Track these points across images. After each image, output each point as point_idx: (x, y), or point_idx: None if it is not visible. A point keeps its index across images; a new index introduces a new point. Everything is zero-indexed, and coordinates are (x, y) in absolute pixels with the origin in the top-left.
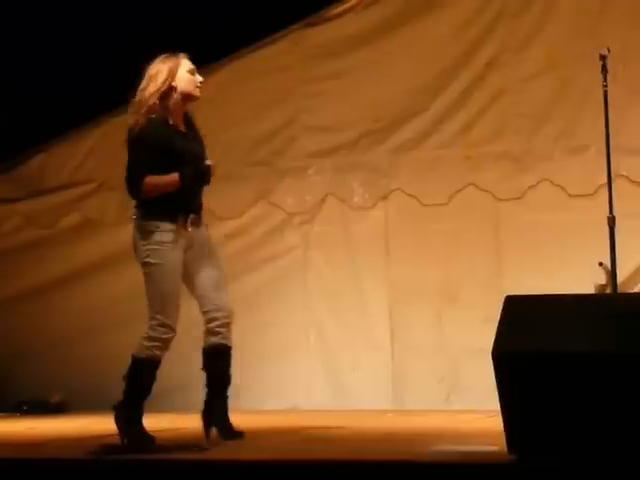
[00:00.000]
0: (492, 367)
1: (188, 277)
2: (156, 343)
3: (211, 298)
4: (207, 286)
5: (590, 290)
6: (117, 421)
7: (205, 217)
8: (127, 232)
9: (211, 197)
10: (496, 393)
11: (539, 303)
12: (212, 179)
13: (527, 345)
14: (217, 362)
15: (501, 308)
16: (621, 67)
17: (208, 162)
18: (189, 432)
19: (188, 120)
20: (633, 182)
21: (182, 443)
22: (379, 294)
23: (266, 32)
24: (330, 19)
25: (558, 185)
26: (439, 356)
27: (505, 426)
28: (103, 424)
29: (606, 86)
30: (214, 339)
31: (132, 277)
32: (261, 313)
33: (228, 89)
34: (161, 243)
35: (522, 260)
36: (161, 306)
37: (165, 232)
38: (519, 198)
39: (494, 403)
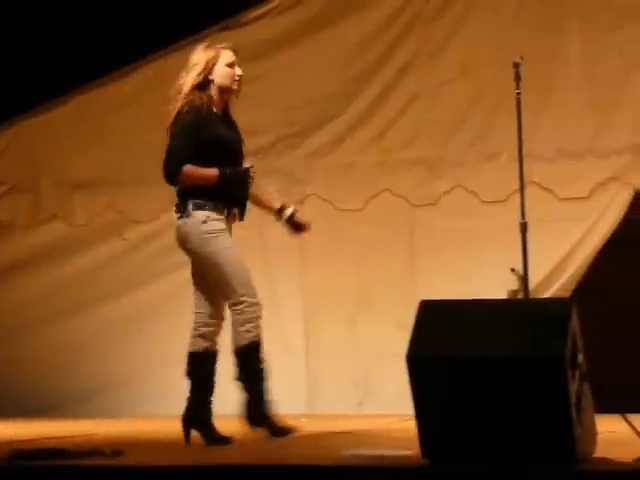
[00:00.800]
0: (406, 372)
1: None
2: (252, 324)
3: None
4: None
5: (503, 295)
6: (185, 423)
7: (119, 220)
8: (39, 235)
9: (125, 200)
10: (410, 398)
11: (453, 308)
12: (250, 180)
13: (441, 350)
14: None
15: (415, 313)
16: (534, 74)
17: (248, 165)
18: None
19: (227, 110)
20: (544, 189)
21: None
22: (293, 299)
23: (183, 35)
24: (246, 23)
25: (471, 191)
26: (353, 361)
27: (419, 430)
28: (17, 429)
29: (519, 93)
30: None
31: (44, 280)
32: (175, 317)
33: (145, 92)
34: (215, 231)
35: (436, 265)
36: (243, 286)
37: (216, 221)
38: (433, 204)
39: (408, 408)
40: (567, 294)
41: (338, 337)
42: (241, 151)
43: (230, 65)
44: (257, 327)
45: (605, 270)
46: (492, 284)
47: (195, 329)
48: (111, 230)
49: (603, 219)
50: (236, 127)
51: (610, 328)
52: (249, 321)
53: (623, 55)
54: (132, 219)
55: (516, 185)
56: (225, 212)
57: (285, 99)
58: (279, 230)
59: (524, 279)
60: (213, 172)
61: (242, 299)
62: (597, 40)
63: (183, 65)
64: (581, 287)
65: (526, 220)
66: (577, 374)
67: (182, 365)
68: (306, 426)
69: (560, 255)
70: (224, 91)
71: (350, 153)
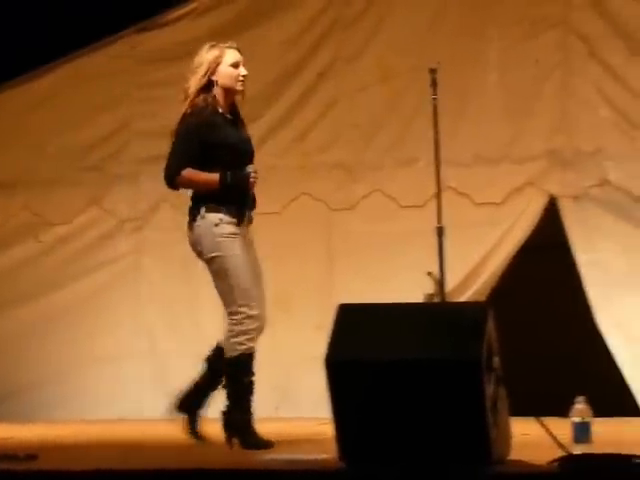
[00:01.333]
0: (324, 375)
1: None
2: (246, 336)
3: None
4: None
5: (420, 299)
6: (227, 428)
7: (35, 222)
8: None
9: (41, 202)
10: (328, 401)
11: (370, 311)
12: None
13: (358, 353)
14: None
15: (333, 316)
16: (452, 81)
17: (249, 169)
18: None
19: (234, 110)
20: (461, 193)
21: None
22: (212, 302)
23: (100, 36)
24: (165, 24)
25: (389, 196)
26: (271, 365)
27: (336, 433)
28: None
29: (435, 99)
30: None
31: None
32: (92, 320)
33: (61, 92)
34: (227, 235)
35: (354, 269)
36: (243, 298)
37: (228, 224)
38: (352, 208)
39: (326, 411)
40: (482, 298)
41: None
42: (250, 152)
43: (235, 65)
44: (252, 340)
45: (520, 275)
46: (409, 288)
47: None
48: (26, 231)
49: (518, 224)
50: (245, 127)
51: (524, 332)
52: (245, 333)
53: (539, 64)
54: (48, 221)
55: (433, 190)
56: (238, 216)
57: None
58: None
59: (440, 283)
60: (214, 177)
61: (241, 310)
62: (514, 48)
63: (100, 66)
64: (496, 292)
65: (442, 225)
66: (493, 377)
67: (99, 367)
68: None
69: (476, 259)
70: (228, 92)
71: (270, 155)
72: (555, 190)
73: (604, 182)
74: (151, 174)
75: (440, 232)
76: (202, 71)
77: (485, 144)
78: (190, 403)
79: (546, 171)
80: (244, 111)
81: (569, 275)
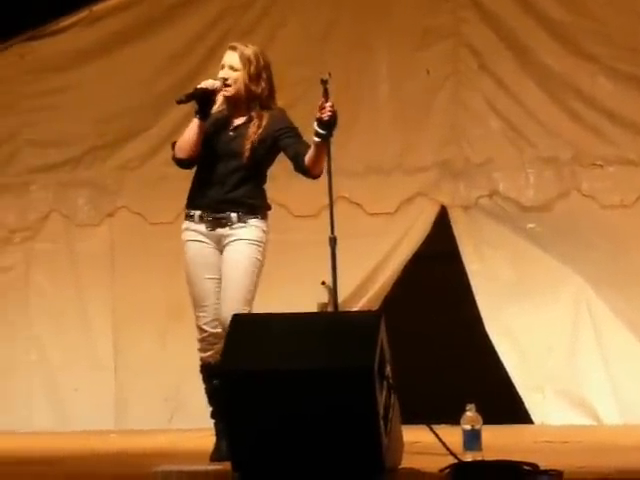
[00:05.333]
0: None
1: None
2: (198, 346)
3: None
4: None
5: (313, 308)
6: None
7: None
8: None
9: None
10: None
11: (263, 321)
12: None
13: (251, 363)
14: None
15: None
16: (343, 92)
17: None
18: None
19: (235, 111)
20: (354, 203)
21: None
22: (103, 313)
23: None
24: (55, 33)
25: (283, 205)
26: (163, 375)
27: (229, 444)
28: None
29: None
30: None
31: None
32: None
33: None
34: (185, 241)
35: None
36: (193, 306)
37: (186, 230)
38: None
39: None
40: (375, 307)
41: (148, 352)
42: (234, 153)
43: (222, 66)
44: (201, 350)
45: (412, 284)
46: (303, 297)
47: None
48: None
49: (410, 234)
50: (236, 128)
51: (416, 340)
52: (199, 341)
53: (429, 75)
54: None
55: (327, 200)
56: (195, 216)
57: (95, 110)
58: (89, 242)
59: (334, 292)
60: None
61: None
62: (405, 59)
63: None
64: (388, 300)
65: (335, 235)
66: (385, 385)
67: None
68: (116, 442)
69: (368, 269)
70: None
71: (162, 165)
72: (446, 200)
73: (493, 192)
74: (41, 183)
75: (333, 242)
76: None
77: (377, 154)
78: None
79: (437, 181)
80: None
81: (460, 284)
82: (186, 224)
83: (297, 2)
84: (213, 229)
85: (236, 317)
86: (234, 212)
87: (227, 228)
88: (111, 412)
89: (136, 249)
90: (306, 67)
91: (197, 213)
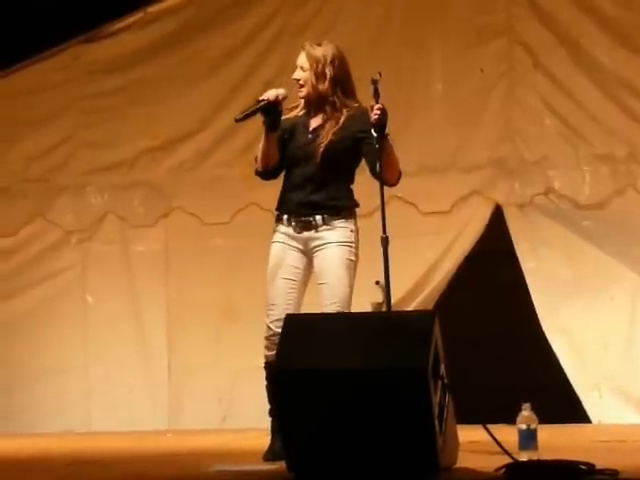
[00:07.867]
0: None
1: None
2: (264, 343)
3: None
4: None
5: (367, 308)
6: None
7: None
8: None
9: None
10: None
11: (318, 321)
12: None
13: (306, 363)
14: None
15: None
16: (397, 92)
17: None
18: None
19: (314, 112)
20: (407, 203)
21: None
22: (158, 313)
23: (44, 47)
24: (109, 35)
25: None
26: (217, 376)
27: (284, 444)
28: None
29: None
30: None
31: None
32: (38, 333)
33: (5, 103)
34: (272, 242)
35: None
36: (267, 306)
37: (275, 232)
38: None
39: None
40: (429, 307)
41: (202, 352)
42: (311, 155)
43: (296, 67)
44: (265, 348)
45: (466, 283)
46: (357, 297)
47: None
48: None
49: (464, 233)
50: (314, 130)
51: (471, 340)
52: (265, 339)
53: (483, 73)
54: None
55: (378, 200)
56: (283, 219)
57: (149, 112)
58: (144, 243)
59: (387, 292)
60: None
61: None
62: (459, 58)
63: (45, 76)
64: (443, 300)
65: (387, 234)
66: (439, 385)
67: (46, 380)
68: (172, 442)
69: (423, 268)
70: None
71: (216, 166)
72: (501, 199)
73: (549, 191)
74: (97, 185)
75: (385, 242)
76: None
77: (431, 153)
78: None
79: (492, 180)
80: None
81: (515, 283)
82: (275, 226)
83: (349, 1)
84: (300, 232)
85: (290, 317)
86: (318, 215)
87: (313, 231)
88: (165, 412)
89: (190, 250)
90: (359, 67)
91: (285, 216)
